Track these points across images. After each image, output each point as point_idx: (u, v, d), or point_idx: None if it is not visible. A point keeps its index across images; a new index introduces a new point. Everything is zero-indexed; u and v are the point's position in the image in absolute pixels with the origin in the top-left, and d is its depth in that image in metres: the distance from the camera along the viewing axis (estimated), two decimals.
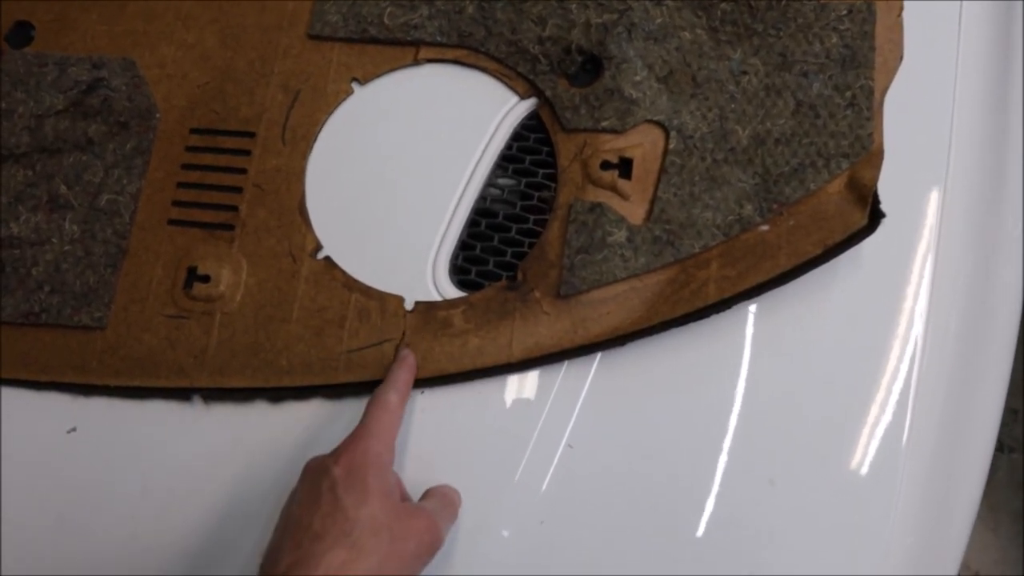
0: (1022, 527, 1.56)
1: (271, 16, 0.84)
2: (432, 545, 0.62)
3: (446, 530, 0.65)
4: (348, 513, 0.57)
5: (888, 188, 0.72)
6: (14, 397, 0.78)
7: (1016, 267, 0.83)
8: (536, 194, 0.79)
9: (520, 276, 0.75)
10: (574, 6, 0.80)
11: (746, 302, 0.74)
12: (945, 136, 0.80)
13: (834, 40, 0.79)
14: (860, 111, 0.77)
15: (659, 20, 0.79)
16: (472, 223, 0.78)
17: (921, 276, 0.77)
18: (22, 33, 0.87)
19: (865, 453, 0.71)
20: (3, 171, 0.82)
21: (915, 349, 0.74)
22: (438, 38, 0.81)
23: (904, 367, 0.73)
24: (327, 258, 0.77)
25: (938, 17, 0.85)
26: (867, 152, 0.76)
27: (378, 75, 0.82)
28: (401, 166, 0.80)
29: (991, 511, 1.55)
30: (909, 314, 0.75)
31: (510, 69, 0.80)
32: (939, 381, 0.75)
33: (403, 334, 0.74)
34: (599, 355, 0.74)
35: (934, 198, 0.78)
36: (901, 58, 0.80)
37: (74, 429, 0.77)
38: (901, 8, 0.81)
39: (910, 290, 0.77)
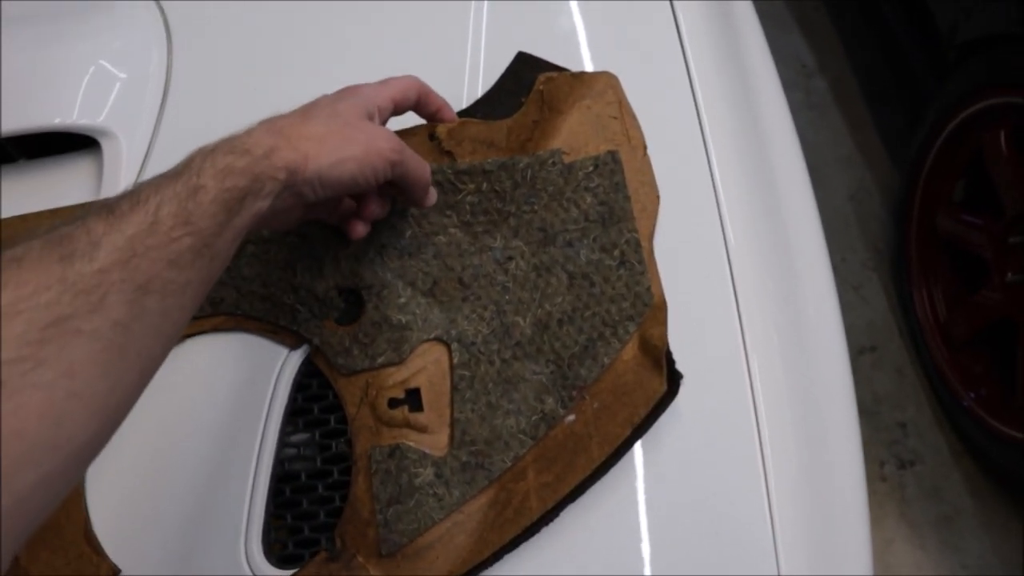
0: (946, 533, 1.57)
1: None
2: (380, 153, 0.63)
3: (410, 160, 0.66)
4: (317, 102, 0.63)
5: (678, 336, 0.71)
6: None
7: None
8: (333, 442, 0.74)
9: (339, 542, 0.70)
10: (318, 243, 0.76)
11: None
12: (724, 267, 0.79)
13: (588, 200, 0.77)
14: (632, 267, 0.75)
15: (408, 233, 0.76)
16: (276, 492, 0.73)
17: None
18: None
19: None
20: None
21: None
22: None
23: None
24: None
25: (686, 144, 0.84)
26: (650, 308, 0.74)
27: None
28: (187, 453, 0.74)
29: (913, 529, 1.56)
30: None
31: (272, 324, 0.76)
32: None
33: None
34: None
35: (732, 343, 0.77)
36: (658, 198, 0.79)
37: None
38: (644, 147, 0.80)
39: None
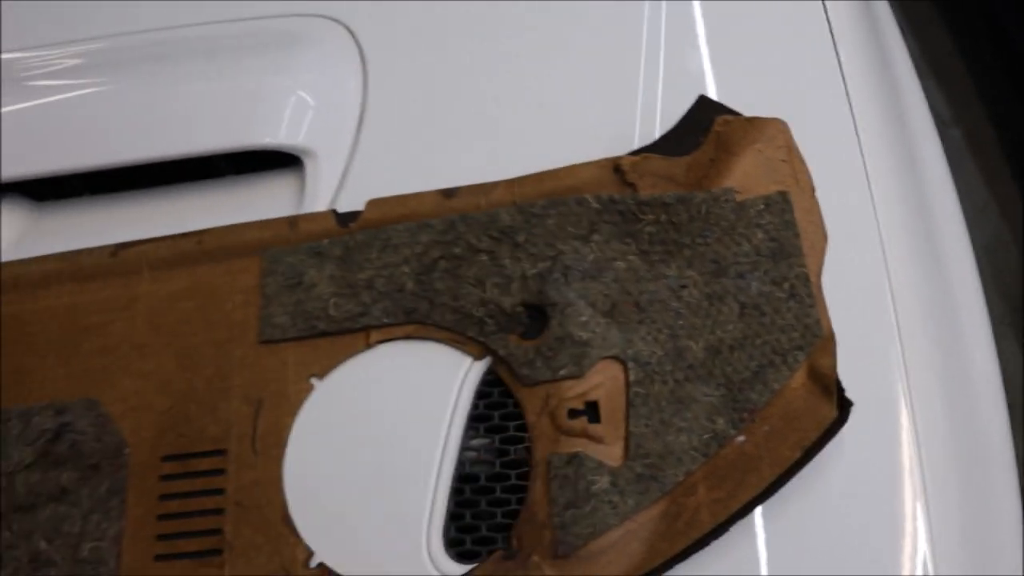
0: None
1: (220, 331, 0.85)
2: None
3: None
4: None
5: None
6: None
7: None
8: (512, 448, 0.79)
9: (515, 543, 0.75)
10: (507, 261, 0.82)
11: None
12: (888, 305, 0.82)
13: (760, 236, 0.82)
14: (802, 300, 0.79)
15: (591, 257, 0.82)
16: (456, 491, 0.78)
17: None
18: None
19: None
20: None
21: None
22: (385, 320, 0.83)
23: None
24: (321, 565, 0.76)
25: (849, 186, 0.88)
26: (818, 339, 0.77)
27: (335, 366, 0.83)
28: (375, 451, 0.80)
29: None
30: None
31: (460, 334, 0.82)
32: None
33: None
34: None
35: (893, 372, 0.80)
36: (826, 237, 0.83)
37: None
38: (813, 189, 0.84)
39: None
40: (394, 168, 0.91)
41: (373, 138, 0.93)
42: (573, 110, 0.90)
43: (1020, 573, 0.78)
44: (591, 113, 0.91)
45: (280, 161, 0.95)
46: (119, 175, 0.98)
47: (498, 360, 0.81)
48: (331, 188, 0.91)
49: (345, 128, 0.94)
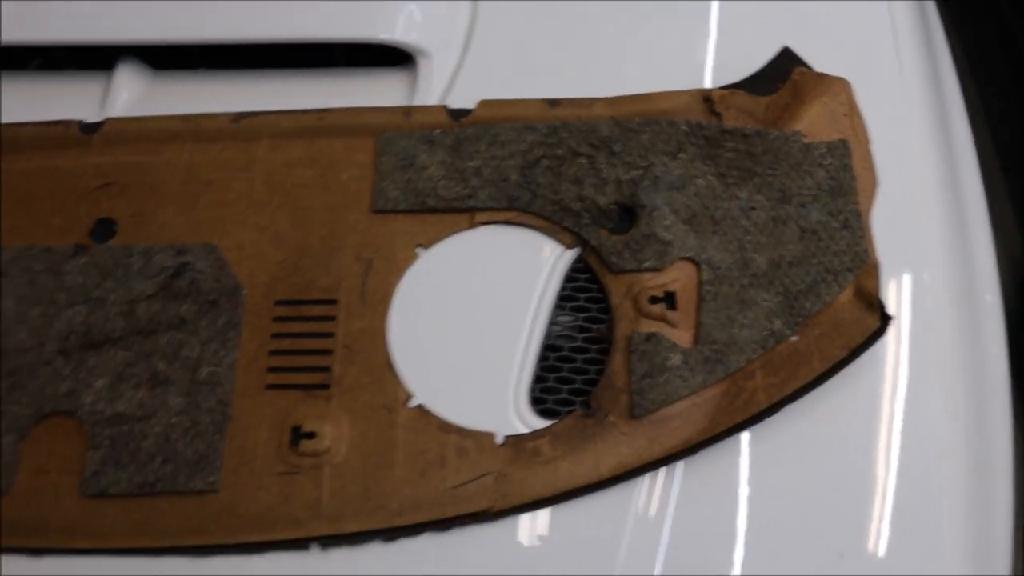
0: None
1: (335, 197, 0.94)
2: None
3: None
4: None
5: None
6: (133, 564, 0.84)
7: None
8: (594, 327, 0.90)
9: (594, 404, 0.86)
10: (603, 166, 0.93)
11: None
12: (922, 243, 0.96)
13: (821, 174, 0.94)
14: (854, 231, 0.91)
15: (677, 172, 0.93)
16: (542, 358, 0.89)
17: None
18: (105, 229, 0.95)
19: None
20: (102, 355, 0.89)
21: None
22: (490, 204, 0.93)
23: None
24: (420, 406, 0.86)
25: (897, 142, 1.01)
26: (866, 265, 0.90)
27: (439, 239, 0.93)
28: (471, 316, 0.90)
29: None
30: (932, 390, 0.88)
31: (556, 224, 0.93)
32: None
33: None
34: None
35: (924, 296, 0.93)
36: (877, 183, 0.96)
37: None
38: (868, 142, 0.97)
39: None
40: (498, 75, 1.01)
41: (481, 45, 1.03)
42: (662, 45, 1.02)
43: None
44: (679, 49, 1.02)
45: (389, 59, 1.04)
46: (237, 52, 1.06)
47: (589, 249, 0.92)
48: (440, 88, 1.01)
49: (456, 34, 1.04)
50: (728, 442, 0.86)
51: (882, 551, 0.81)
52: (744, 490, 0.85)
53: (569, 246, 0.93)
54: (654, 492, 0.84)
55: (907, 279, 0.93)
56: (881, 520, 0.82)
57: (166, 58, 1.08)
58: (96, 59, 1.08)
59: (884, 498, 0.84)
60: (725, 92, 0.96)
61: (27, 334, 0.91)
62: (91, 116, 1.03)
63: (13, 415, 0.88)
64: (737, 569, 0.81)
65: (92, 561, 0.85)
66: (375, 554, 0.83)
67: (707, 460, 0.85)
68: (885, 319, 0.87)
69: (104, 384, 0.88)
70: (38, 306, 0.92)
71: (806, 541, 0.82)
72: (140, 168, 0.98)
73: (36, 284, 0.93)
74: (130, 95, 1.06)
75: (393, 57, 1.04)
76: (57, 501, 0.85)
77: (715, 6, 1.07)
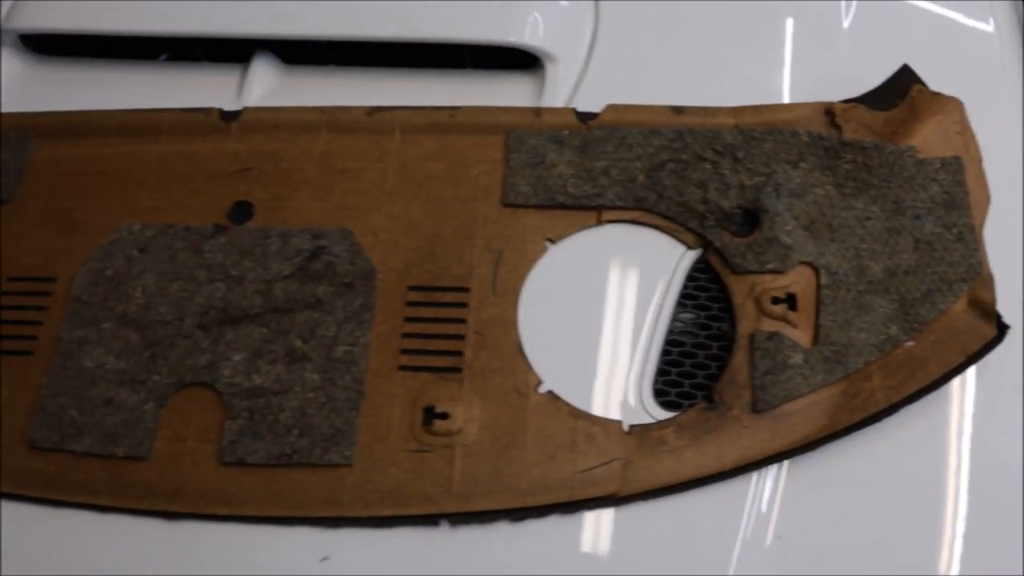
0: None
1: (467, 190, 0.98)
2: None
3: None
4: None
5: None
6: (265, 533, 0.87)
7: None
8: (715, 325, 0.94)
9: (716, 397, 0.89)
10: (727, 172, 0.97)
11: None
12: None
13: (935, 188, 0.97)
14: (967, 243, 0.95)
15: (797, 180, 0.97)
16: (664, 352, 0.92)
17: None
18: (242, 211, 1.00)
19: None
20: (239, 330, 0.93)
21: None
22: (617, 203, 0.97)
23: None
24: (550, 391, 0.89)
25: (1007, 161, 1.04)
26: (980, 276, 0.93)
27: (568, 234, 0.97)
28: (597, 309, 0.94)
29: None
30: None
31: (680, 225, 0.96)
32: None
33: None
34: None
35: None
36: (989, 199, 0.99)
37: (327, 558, 0.86)
38: (980, 160, 1.01)
39: None
40: (621, 81, 1.05)
41: (603, 51, 1.07)
42: (780, 58, 1.06)
43: None
44: (797, 62, 1.06)
45: (513, 62, 1.08)
46: (366, 50, 1.10)
47: (712, 250, 0.95)
48: (567, 92, 1.05)
49: (581, 39, 1.08)
50: (842, 441, 0.88)
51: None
52: (857, 490, 0.87)
53: (691, 246, 0.96)
54: (770, 485, 0.87)
55: (1017, 294, 0.96)
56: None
57: (298, 53, 1.12)
58: (229, 52, 1.13)
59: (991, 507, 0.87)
60: (847, 106, 1.00)
61: (167, 308, 0.95)
62: (226, 106, 1.07)
63: (154, 384, 0.92)
64: (846, 566, 0.83)
65: (225, 528, 0.88)
66: (502, 533, 0.86)
67: (822, 458, 0.88)
68: (1002, 328, 0.90)
69: (242, 358, 0.92)
70: (178, 281, 0.96)
71: (920, 542, 0.84)
72: (277, 155, 1.02)
73: (176, 260, 0.97)
74: (263, 88, 1.10)
75: (517, 60, 1.08)
76: (195, 468, 0.89)
77: (836, 22, 1.11)
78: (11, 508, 0.91)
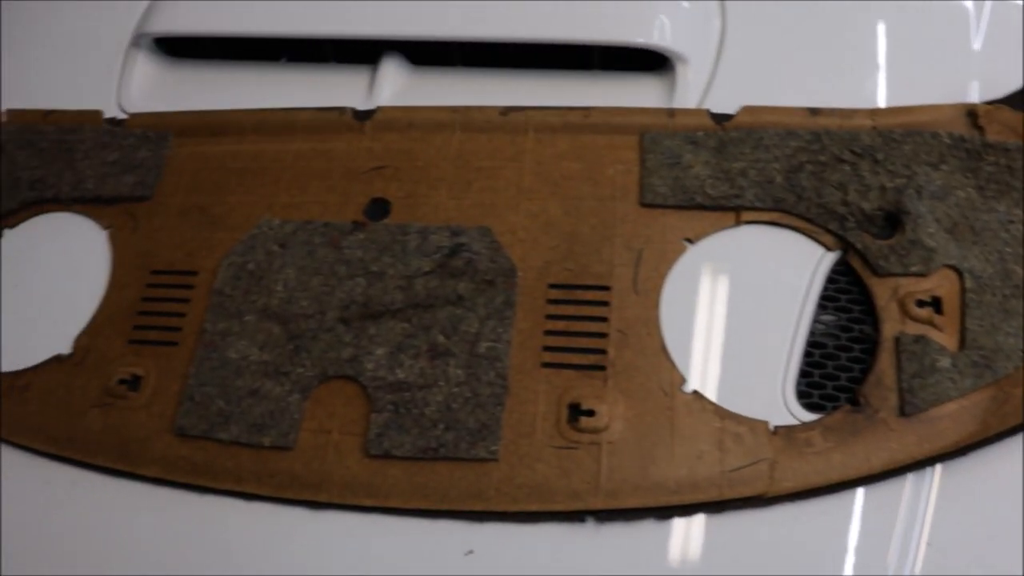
0: None
1: (604, 189, 0.99)
2: None
3: None
4: None
5: None
6: (409, 524, 0.88)
7: None
8: (857, 327, 0.93)
9: (862, 400, 0.88)
10: (866, 173, 0.97)
11: None
12: None
13: None
14: None
15: (939, 182, 0.96)
16: (806, 354, 0.92)
17: None
18: (378, 208, 1.01)
19: None
20: (381, 325, 0.94)
21: None
22: (756, 204, 0.97)
23: None
24: (696, 391, 0.90)
25: None
26: None
27: (706, 234, 0.97)
28: (739, 309, 0.94)
29: None
30: None
31: (819, 227, 0.96)
32: None
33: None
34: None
35: None
36: None
37: (471, 552, 0.87)
38: None
39: None
40: (752, 82, 1.05)
41: (732, 53, 1.07)
42: (915, 58, 1.05)
43: None
44: (930, 63, 1.06)
45: (642, 63, 1.09)
46: (493, 51, 1.11)
47: (853, 252, 0.95)
48: (698, 93, 1.05)
49: (710, 40, 1.08)
50: (993, 448, 0.87)
51: None
52: (1010, 498, 0.86)
53: (830, 248, 0.96)
54: (921, 491, 0.86)
55: None
56: None
57: (425, 54, 1.14)
58: (357, 53, 1.15)
59: None
60: (990, 107, 0.99)
61: (309, 302, 0.97)
62: (356, 106, 1.09)
63: (298, 376, 0.93)
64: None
65: (370, 518, 0.90)
66: (648, 531, 0.86)
67: (973, 464, 0.87)
68: None
69: (384, 352, 0.93)
70: (318, 276, 0.98)
71: None
72: (411, 153, 1.04)
73: (316, 256, 0.99)
74: (392, 88, 1.12)
75: (646, 62, 1.08)
76: (340, 459, 0.90)
77: (973, 22, 1.10)
78: (159, 493, 0.93)
